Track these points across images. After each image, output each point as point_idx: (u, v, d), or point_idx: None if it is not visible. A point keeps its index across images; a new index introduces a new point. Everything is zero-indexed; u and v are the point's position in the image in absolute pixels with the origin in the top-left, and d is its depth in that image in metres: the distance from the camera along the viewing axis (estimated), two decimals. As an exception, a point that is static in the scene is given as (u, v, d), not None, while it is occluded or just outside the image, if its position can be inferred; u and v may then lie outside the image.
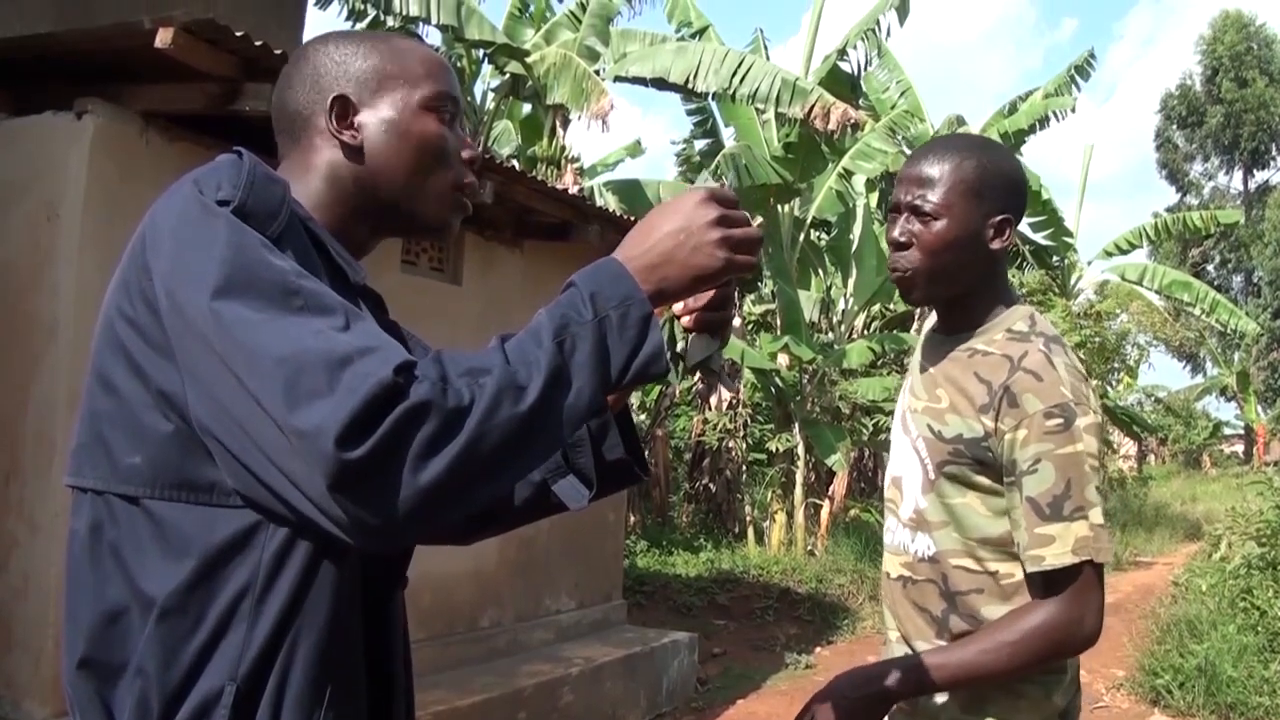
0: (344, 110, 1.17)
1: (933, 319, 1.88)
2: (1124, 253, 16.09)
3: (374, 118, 1.18)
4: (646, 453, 11.37)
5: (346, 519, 0.87)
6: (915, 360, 1.89)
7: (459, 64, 9.81)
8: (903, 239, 1.70)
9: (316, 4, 9.15)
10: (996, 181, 1.69)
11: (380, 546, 0.94)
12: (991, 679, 1.62)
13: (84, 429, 1.04)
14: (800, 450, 11.03)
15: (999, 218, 1.68)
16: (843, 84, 11.11)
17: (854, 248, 11.98)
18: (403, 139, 1.18)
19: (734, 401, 11.53)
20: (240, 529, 0.97)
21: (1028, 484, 1.58)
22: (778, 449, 11.16)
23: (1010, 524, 1.64)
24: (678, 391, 12.26)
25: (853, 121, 9.06)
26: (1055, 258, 15.25)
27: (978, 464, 1.66)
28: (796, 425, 11.10)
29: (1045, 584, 1.60)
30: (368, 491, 0.86)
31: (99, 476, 1.01)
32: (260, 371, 0.89)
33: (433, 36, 9.68)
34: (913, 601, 1.75)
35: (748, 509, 11.39)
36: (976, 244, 1.68)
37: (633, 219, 6.58)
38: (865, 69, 12.03)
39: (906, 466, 1.79)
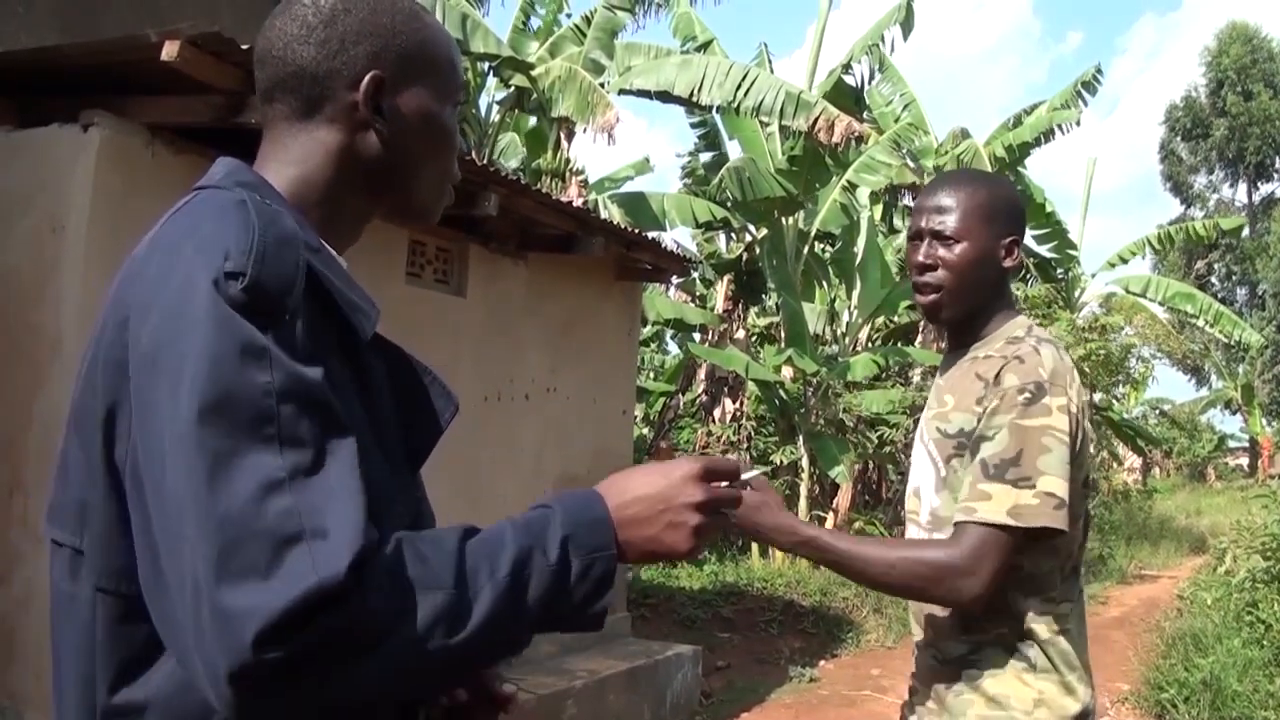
0: (377, 92, 1.05)
1: None
2: (1127, 264, 16.10)
3: (406, 106, 1.08)
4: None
5: (233, 704, 0.79)
6: (934, 382, 2.06)
7: (464, 77, 9.84)
8: (928, 261, 1.86)
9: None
10: (1003, 206, 1.89)
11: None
12: (859, 579, 1.76)
13: (60, 482, 0.99)
14: (804, 463, 11.01)
15: (1008, 239, 1.87)
16: (847, 97, 11.13)
17: (858, 260, 11.99)
18: (431, 134, 1.11)
19: (738, 414, 11.52)
20: None
21: (984, 448, 1.71)
22: (782, 461, 11.14)
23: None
24: (682, 403, 12.25)
25: (857, 134, 9.07)
26: (1059, 270, 15.25)
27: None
28: (800, 438, 11.08)
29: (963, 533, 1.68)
30: (268, 691, 0.79)
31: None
32: (201, 521, 0.80)
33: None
34: None
35: (752, 521, 11.34)
36: (993, 262, 1.86)
37: (637, 231, 6.58)
38: (869, 82, 12.08)
39: (923, 474, 1.91)
